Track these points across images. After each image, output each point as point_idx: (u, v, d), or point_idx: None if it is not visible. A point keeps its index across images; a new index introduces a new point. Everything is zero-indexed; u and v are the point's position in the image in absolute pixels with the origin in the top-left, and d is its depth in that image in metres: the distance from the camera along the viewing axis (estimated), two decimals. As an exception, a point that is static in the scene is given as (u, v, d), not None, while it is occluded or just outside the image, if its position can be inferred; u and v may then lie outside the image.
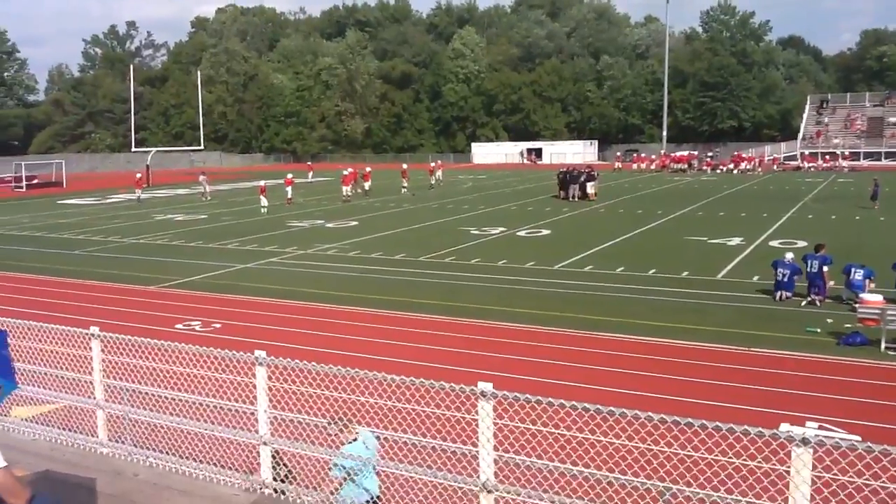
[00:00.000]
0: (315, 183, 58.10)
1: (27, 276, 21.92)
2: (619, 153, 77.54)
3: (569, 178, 41.90)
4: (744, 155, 66.49)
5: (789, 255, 17.11)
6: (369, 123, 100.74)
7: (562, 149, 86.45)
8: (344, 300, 17.64)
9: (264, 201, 37.77)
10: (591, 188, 40.77)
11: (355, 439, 5.92)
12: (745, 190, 46.01)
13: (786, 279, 16.64)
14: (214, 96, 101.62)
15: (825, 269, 16.28)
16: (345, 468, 5.79)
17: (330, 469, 5.92)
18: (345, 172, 44.88)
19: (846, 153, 68.26)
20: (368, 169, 49.32)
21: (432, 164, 54.31)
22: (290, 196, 41.98)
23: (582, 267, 21.22)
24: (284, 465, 6.34)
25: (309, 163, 71.01)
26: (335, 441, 5.99)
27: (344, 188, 43.33)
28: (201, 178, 50.54)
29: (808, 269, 16.36)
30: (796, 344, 13.34)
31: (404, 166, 51.19)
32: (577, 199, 40.12)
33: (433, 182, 51.40)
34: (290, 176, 44.63)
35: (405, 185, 47.36)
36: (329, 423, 6.07)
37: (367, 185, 46.84)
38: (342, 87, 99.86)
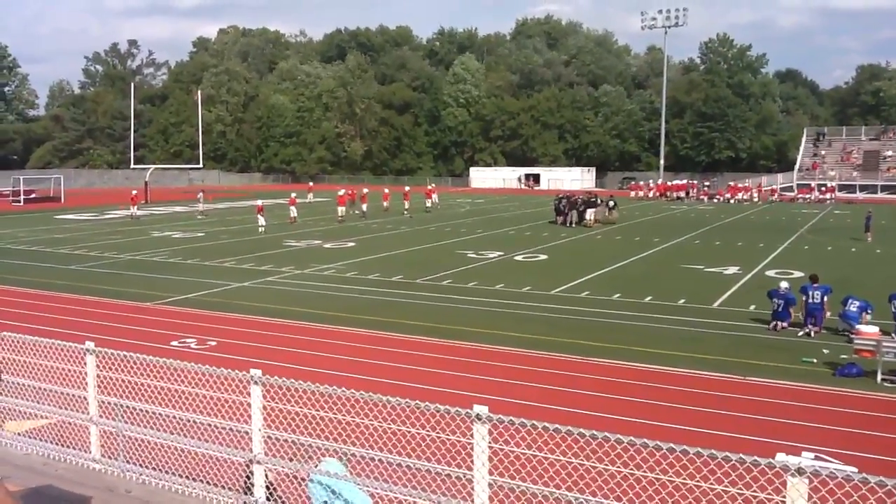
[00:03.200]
0: (314, 203, 58.17)
1: (23, 290, 21.86)
2: (642, 182, 76.14)
3: (566, 203, 41.97)
4: (740, 185, 66.75)
5: (784, 285, 17.09)
6: (369, 146, 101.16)
7: (560, 175, 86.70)
8: (340, 321, 17.61)
9: (262, 220, 37.85)
10: (589, 215, 40.86)
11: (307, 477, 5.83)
12: (741, 220, 46.16)
13: (780, 309, 16.68)
14: (214, 115, 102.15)
15: (826, 298, 16.33)
16: (322, 488, 5.70)
17: None
18: (340, 193, 45.18)
19: (829, 185, 68.08)
20: (366, 191, 49.49)
21: (428, 188, 54.56)
22: (293, 215, 42.43)
23: (578, 292, 21.23)
24: (273, 487, 6.29)
25: (310, 183, 71.07)
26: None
27: (339, 208, 43.61)
28: (199, 195, 51.23)
29: (810, 300, 16.34)
30: (792, 374, 13.33)
31: (406, 189, 51.49)
32: (573, 226, 40.21)
33: (429, 205, 51.58)
34: (293, 195, 45.34)
35: (406, 207, 47.71)
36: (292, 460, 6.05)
37: (364, 206, 47.01)
38: (342, 109, 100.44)
